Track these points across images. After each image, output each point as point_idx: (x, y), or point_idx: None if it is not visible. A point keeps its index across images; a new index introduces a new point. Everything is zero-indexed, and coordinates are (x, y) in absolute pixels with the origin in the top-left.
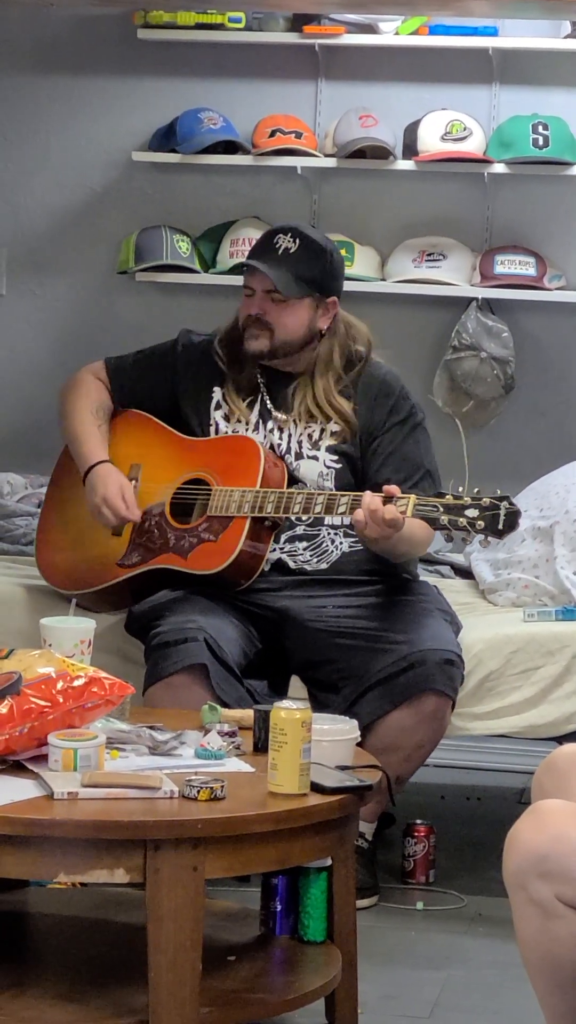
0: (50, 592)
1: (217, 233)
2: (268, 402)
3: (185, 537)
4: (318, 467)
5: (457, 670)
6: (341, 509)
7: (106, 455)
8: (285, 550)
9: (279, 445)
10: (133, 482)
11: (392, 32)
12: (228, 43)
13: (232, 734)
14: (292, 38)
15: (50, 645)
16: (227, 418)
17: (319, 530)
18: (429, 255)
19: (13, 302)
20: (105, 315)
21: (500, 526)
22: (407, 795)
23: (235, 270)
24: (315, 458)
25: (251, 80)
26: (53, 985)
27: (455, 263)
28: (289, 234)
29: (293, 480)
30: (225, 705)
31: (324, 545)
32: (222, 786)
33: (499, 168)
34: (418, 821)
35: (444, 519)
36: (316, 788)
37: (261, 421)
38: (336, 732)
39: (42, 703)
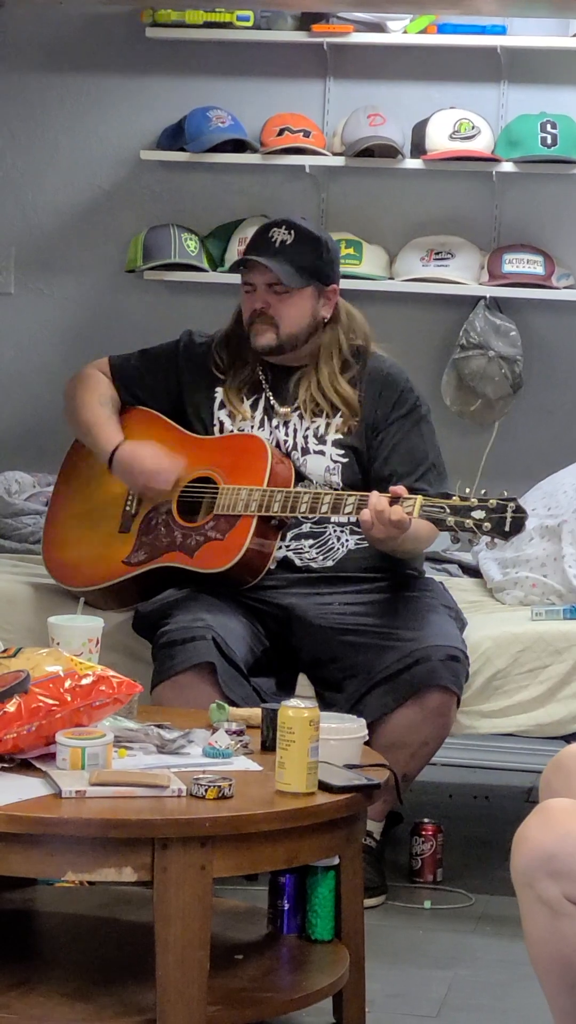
0: (58, 591)
1: (225, 232)
2: (271, 398)
3: (192, 535)
4: (325, 461)
5: (462, 666)
6: (347, 509)
7: (122, 436)
8: (291, 548)
9: (285, 442)
10: None
11: (400, 31)
12: (236, 41)
13: (240, 733)
14: (300, 36)
15: (58, 644)
16: (232, 416)
17: (325, 528)
18: (437, 254)
19: (21, 300)
20: (113, 314)
21: (507, 528)
22: (415, 794)
23: (235, 268)
24: (321, 452)
25: (259, 79)
26: (61, 983)
27: (463, 262)
28: (283, 227)
29: (300, 476)
30: (232, 704)
31: (330, 542)
32: (230, 785)
33: (507, 167)
34: (426, 820)
35: (450, 520)
36: (324, 787)
37: (266, 418)
38: (344, 731)
39: (50, 701)
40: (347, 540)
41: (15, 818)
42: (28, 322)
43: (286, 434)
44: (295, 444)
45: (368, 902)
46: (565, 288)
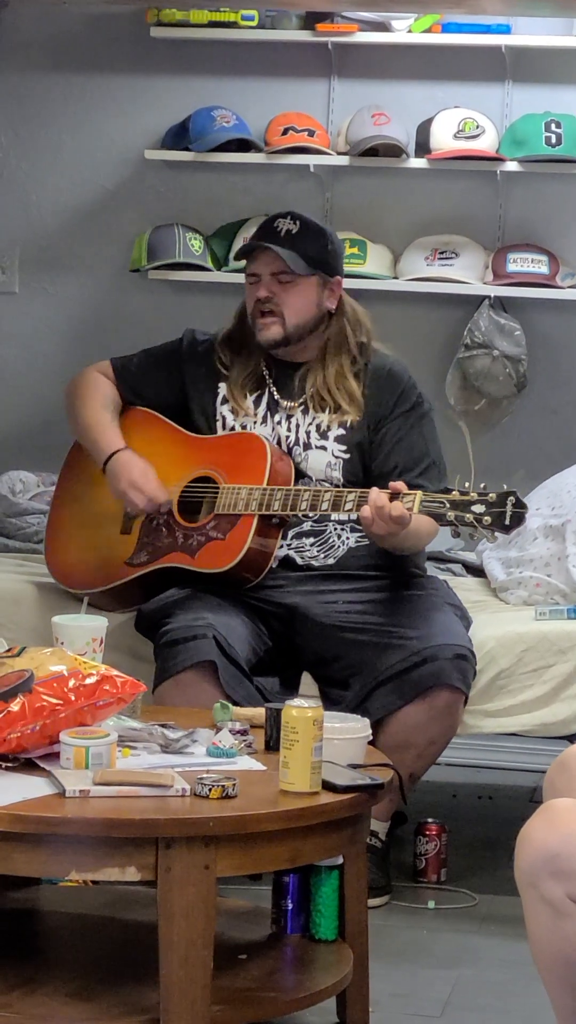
0: (62, 590)
1: (230, 231)
2: (275, 393)
3: (193, 535)
4: (326, 457)
5: (469, 665)
6: (348, 506)
7: (123, 443)
8: (292, 546)
9: (287, 437)
10: None
11: (405, 30)
12: (241, 41)
13: (244, 732)
14: (305, 36)
15: (62, 643)
16: (234, 412)
17: (325, 526)
18: (442, 253)
19: (25, 300)
20: (117, 313)
21: (507, 522)
22: (419, 794)
23: (240, 257)
24: (323, 448)
25: (264, 78)
26: (64, 983)
27: (467, 261)
28: (288, 217)
29: (300, 473)
30: (234, 702)
31: (331, 540)
32: (234, 784)
33: (512, 166)
34: (429, 820)
35: (451, 515)
36: (328, 786)
37: (269, 413)
38: (348, 730)
39: (54, 701)
40: (348, 538)
41: (19, 817)
42: (32, 321)
43: (288, 429)
44: (297, 439)
45: (372, 902)
46: (569, 287)
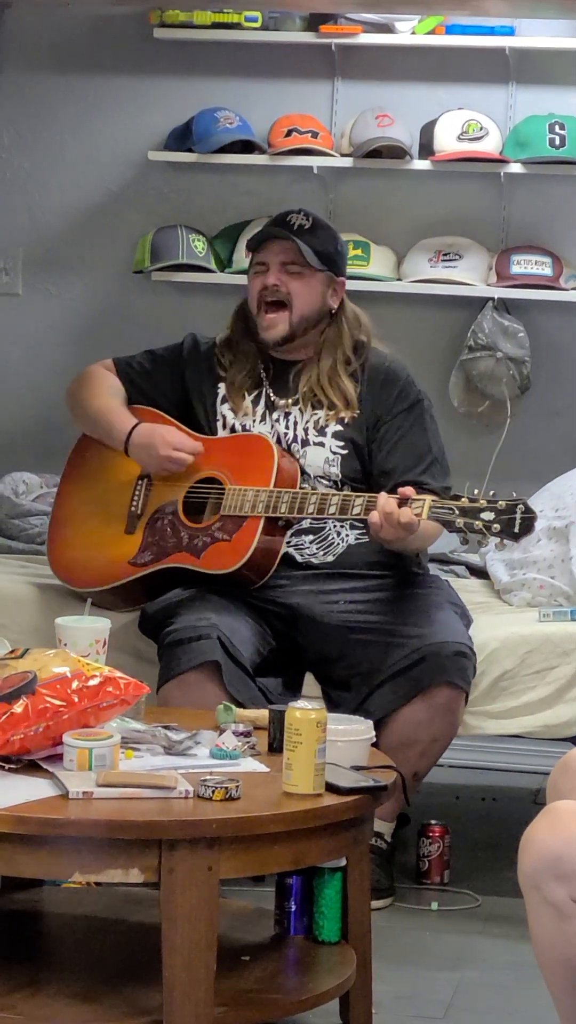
0: (65, 591)
1: (233, 232)
2: (271, 393)
3: (199, 536)
4: (324, 453)
5: (469, 662)
6: (356, 511)
7: (136, 420)
8: (292, 543)
9: (285, 434)
10: (144, 480)
11: (408, 32)
12: (244, 42)
13: (247, 734)
14: (308, 37)
15: (65, 644)
16: (234, 411)
17: (325, 523)
18: (445, 255)
19: (29, 301)
20: (121, 315)
21: (516, 529)
22: (422, 796)
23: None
24: (321, 444)
25: (267, 79)
26: (67, 984)
27: (471, 263)
28: (300, 213)
29: (300, 470)
30: (237, 703)
31: (330, 538)
32: (237, 786)
33: (515, 168)
34: (433, 821)
35: (460, 522)
36: (331, 788)
37: (267, 412)
38: (351, 732)
39: (57, 702)
40: (347, 535)
41: (22, 819)
42: (35, 323)
43: (286, 427)
44: (295, 436)
45: (376, 904)
46: (573, 289)
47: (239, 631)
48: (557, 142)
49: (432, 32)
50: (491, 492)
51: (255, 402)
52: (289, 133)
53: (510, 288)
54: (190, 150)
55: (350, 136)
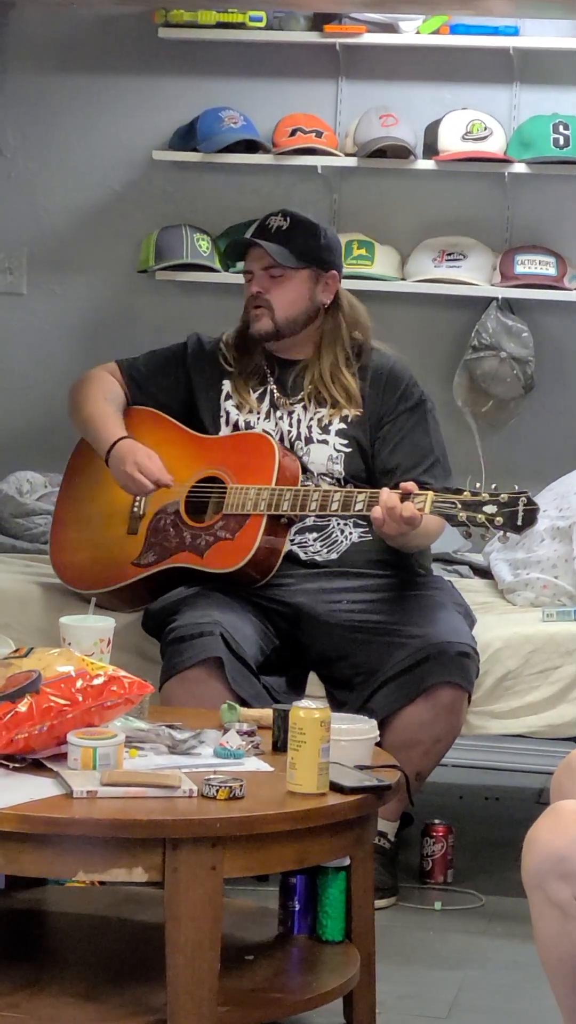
0: (69, 591)
1: (237, 232)
2: (275, 390)
3: (201, 536)
4: (328, 451)
5: (472, 662)
6: (358, 507)
7: (126, 433)
8: (295, 541)
9: (289, 432)
10: None
11: (413, 31)
12: (249, 42)
13: (251, 733)
14: (313, 37)
15: (69, 644)
16: (239, 407)
17: (328, 521)
18: (449, 255)
19: (33, 301)
20: (125, 314)
21: (519, 522)
22: (425, 795)
23: (232, 255)
24: (325, 442)
25: (272, 79)
26: (71, 984)
27: (475, 263)
28: (279, 215)
29: (302, 467)
30: (241, 700)
31: (334, 536)
32: (241, 785)
33: (519, 168)
34: (436, 821)
35: (462, 516)
36: (335, 788)
37: (272, 409)
38: (355, 732)
39: (61, 702)
40: (351, 533)
41: (26, 818)
42: (40, 322)
43: (290, 424)
44: (299, 434)
45: (379, 903)
46: None
47: (242, 629)
48: (561, 142)
49: (436, 32)
50: (493, 485)
51: (260, 398)
52: (293, 133)
53: (514, 288)
54: (195, 150)
55: (354, 136)
